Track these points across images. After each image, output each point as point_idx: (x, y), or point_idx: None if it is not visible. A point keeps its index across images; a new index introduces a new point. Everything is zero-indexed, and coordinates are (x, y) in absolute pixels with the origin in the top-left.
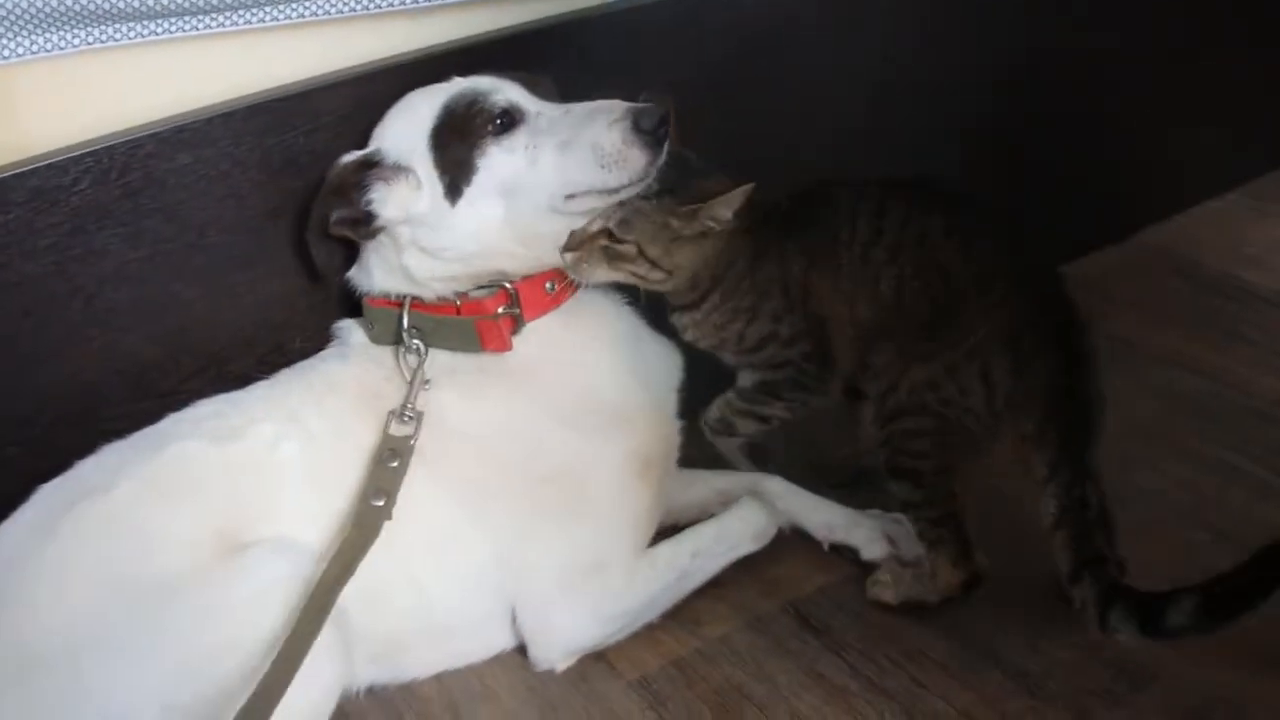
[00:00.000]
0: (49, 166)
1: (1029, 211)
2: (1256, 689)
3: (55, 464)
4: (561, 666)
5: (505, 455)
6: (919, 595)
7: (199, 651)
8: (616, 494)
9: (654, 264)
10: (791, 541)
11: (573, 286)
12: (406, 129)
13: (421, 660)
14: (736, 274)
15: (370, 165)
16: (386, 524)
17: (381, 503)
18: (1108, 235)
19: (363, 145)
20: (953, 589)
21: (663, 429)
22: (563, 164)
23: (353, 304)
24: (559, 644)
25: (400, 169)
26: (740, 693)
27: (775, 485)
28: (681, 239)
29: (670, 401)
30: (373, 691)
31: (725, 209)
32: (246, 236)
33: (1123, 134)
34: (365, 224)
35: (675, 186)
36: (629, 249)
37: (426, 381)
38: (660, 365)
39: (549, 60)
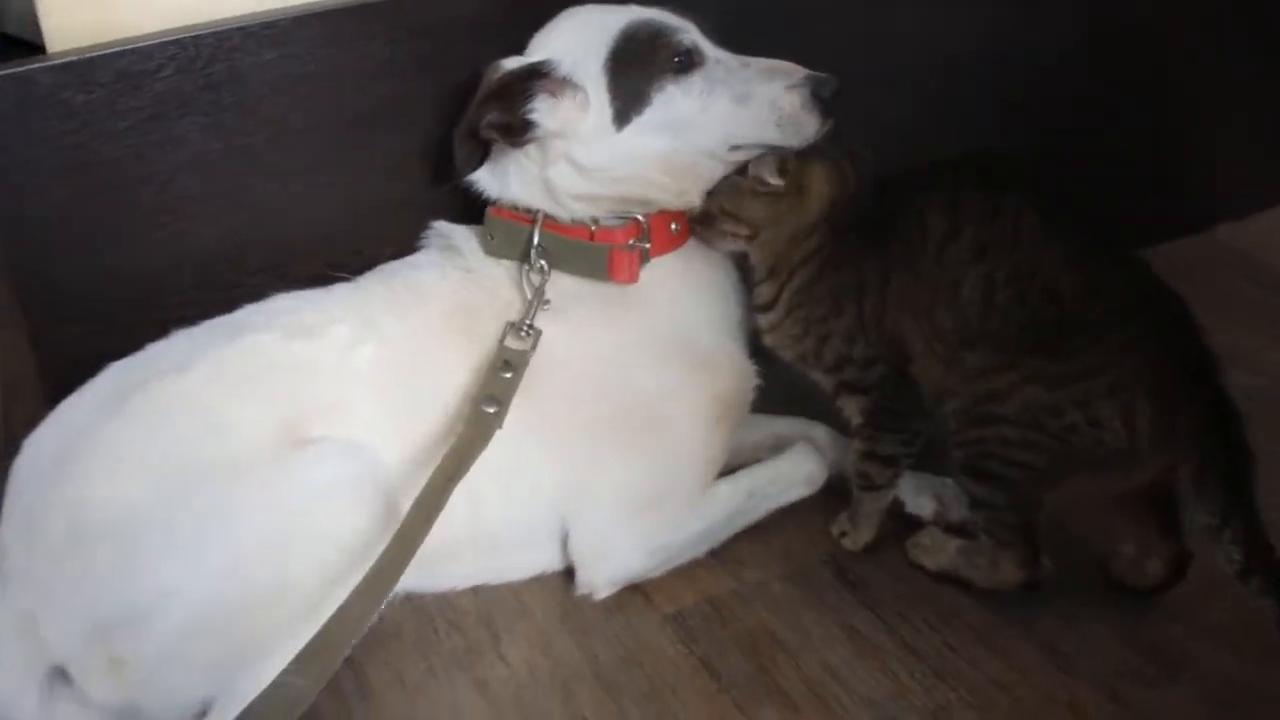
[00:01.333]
0: (135, 51)
1: (1101, 194)
2: None
3: (116, 346)
4: (604, 593)
5: (595, 383)
6: (966, 574)
7: (254, 537)
8: (692, 433)
9: (735, 218)
10: (839, 495)
11: (690, 231)
12: (580, 46)
13: (464, 571)
14: (807, 278)
15: (538, 75)
16: (452, 431)
17: (494, 410)
18: (1181, 228)
19: (439, 58)
20: (1009, 586)
21: (743, 380)
22: (736, 115)
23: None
24: (608, 570)
25: (569, 84)
26: (772, 638)
27: (825, 434)
28: (749, 195)
29: (748, 354)
30: (409, 598)
31: (762, 169)
32: (324, 139)
33: (1207, 123)
34: (520, 132)
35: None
36: (714, 205)
37: (546, 301)
38: (746, 321)
39: None
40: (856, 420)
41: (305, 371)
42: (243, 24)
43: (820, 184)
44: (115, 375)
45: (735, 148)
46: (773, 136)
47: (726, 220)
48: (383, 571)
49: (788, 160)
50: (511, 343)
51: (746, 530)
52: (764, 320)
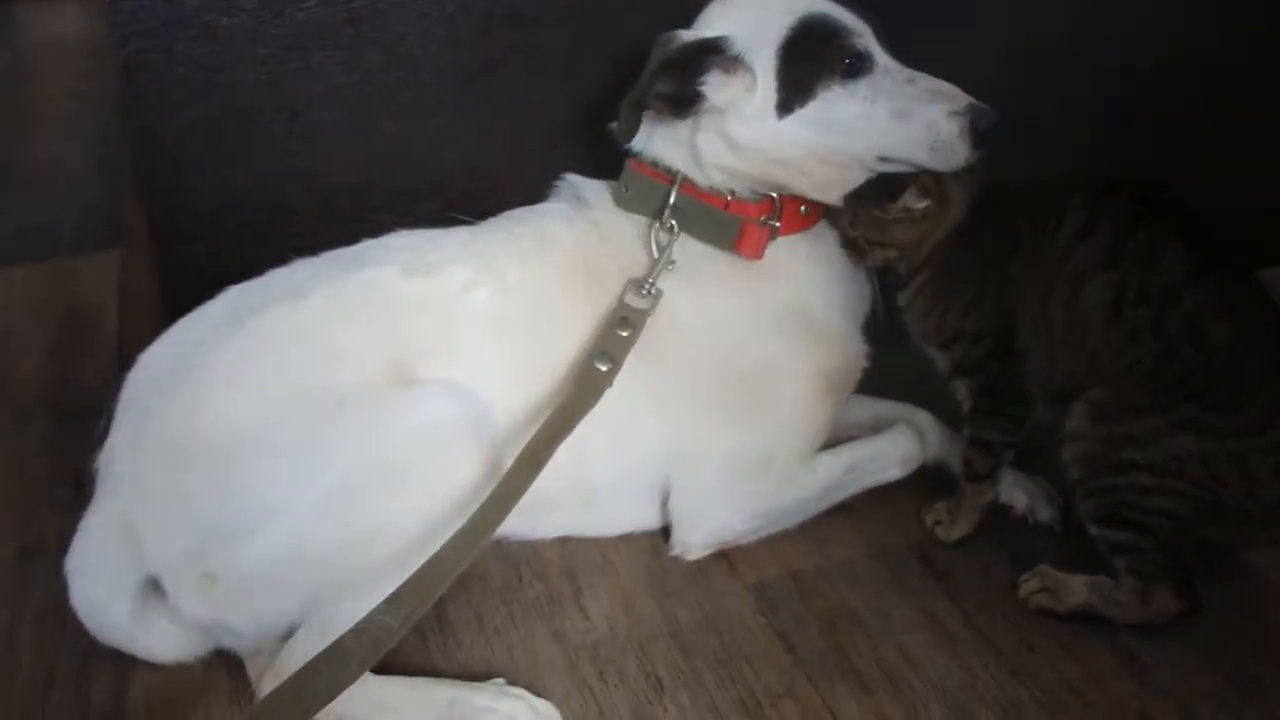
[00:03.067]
0: None
1: (1222, 211)
2: None
3: (236, 269)
4: (697, 554)
5: (709, 347)
6: (1106, 612)
7: (357, 469)
8: (798, 404)
9: (880, 245)
10: (934, 484)
11: (819, 213)
12: (756, 28)
13: (556, 521)
14: (941, 260)
15: (714, 50)
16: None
17: (606, 367)
18: None
19: (574, 11)
20: (1166, 619)
21: (852, 359)
22: (893, 130)
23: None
24: (705, 531)
25: (742, 64)
26: (852, 617)
27: (926, 419)
28: (891, 223)
29: (860, 335)
30: (498, 543)
31: (912, 199)
32: (458, 82)
33: None
34: (688, 104)
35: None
36: (860, 239)
37: (671, 263)
38: (861, 303)
39: None
40: (967, 405)
41: (420, 309)
42: None
43: (959, 194)
44: (233, 297)
45: (884, 159)
46: (923, 158)
47: (874, 249)
48: (479, 522)
49: (928, 183)
50: (632, 300)
51: (836, 509)
52: (901, 297)
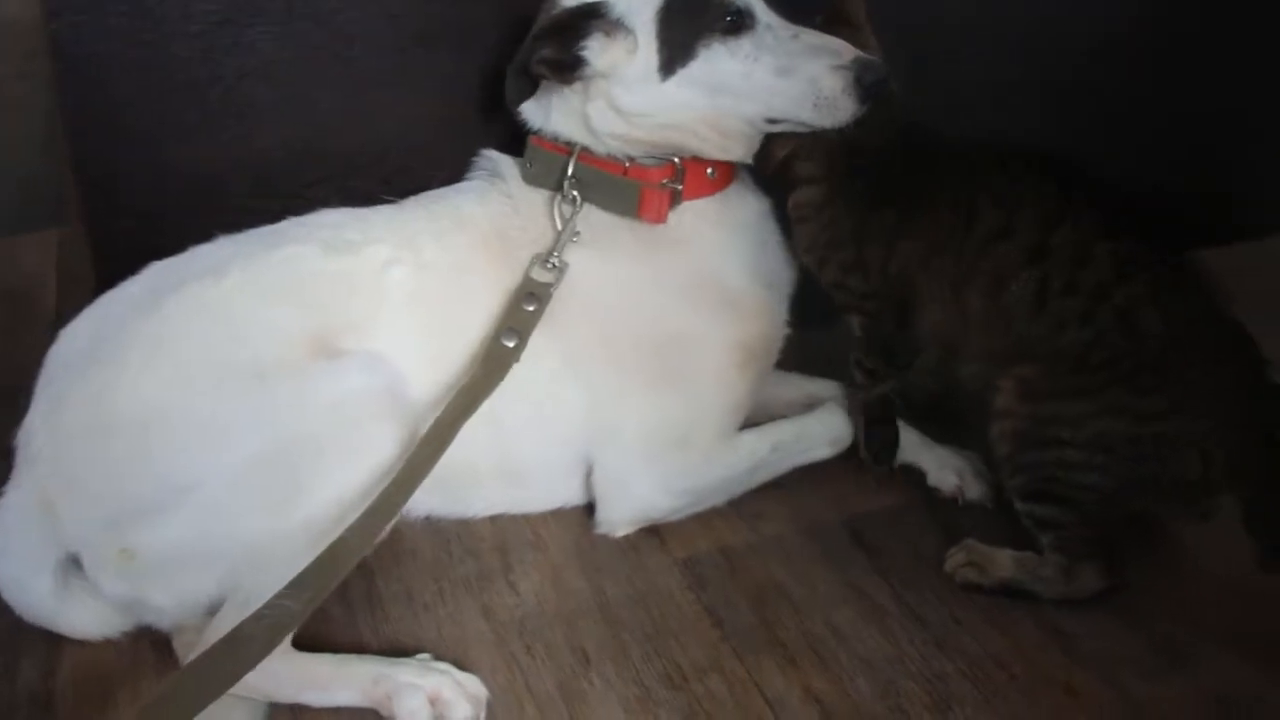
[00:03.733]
0: None
1: (1157, 193)
2: None
3: (169, 243)
4: (622, 531)
5: (623, 319)
6: (1030, 587)
7: (274, 442)
8: (716, 377)
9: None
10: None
11: (729, 176)
12: None
13: (485, 499)
14: (812, 198)
15: (594, 15)
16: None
17: (513, 344)
18: (1239, 232)
19: None
20: (1088, 594)
21: (771, 328)
22: (775, 88)
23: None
24: (627, 508)
25: (622, 27)
26: (780, 591)
27: None
28: None
29: (782, 306)
30: (429, 520)
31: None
32: (392, 56)
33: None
34: (570, 69)
35: None
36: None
37: (576, 234)
38: (782, 271)
39: None
40: (856, 332)
41: (339, 286)
42: None
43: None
44: (154, 274)
45: (772, 121)
46: (808, 116)
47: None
48: (383, 503)
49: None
50: (537, 274)
51: (769, 485)
52: (794, 214)
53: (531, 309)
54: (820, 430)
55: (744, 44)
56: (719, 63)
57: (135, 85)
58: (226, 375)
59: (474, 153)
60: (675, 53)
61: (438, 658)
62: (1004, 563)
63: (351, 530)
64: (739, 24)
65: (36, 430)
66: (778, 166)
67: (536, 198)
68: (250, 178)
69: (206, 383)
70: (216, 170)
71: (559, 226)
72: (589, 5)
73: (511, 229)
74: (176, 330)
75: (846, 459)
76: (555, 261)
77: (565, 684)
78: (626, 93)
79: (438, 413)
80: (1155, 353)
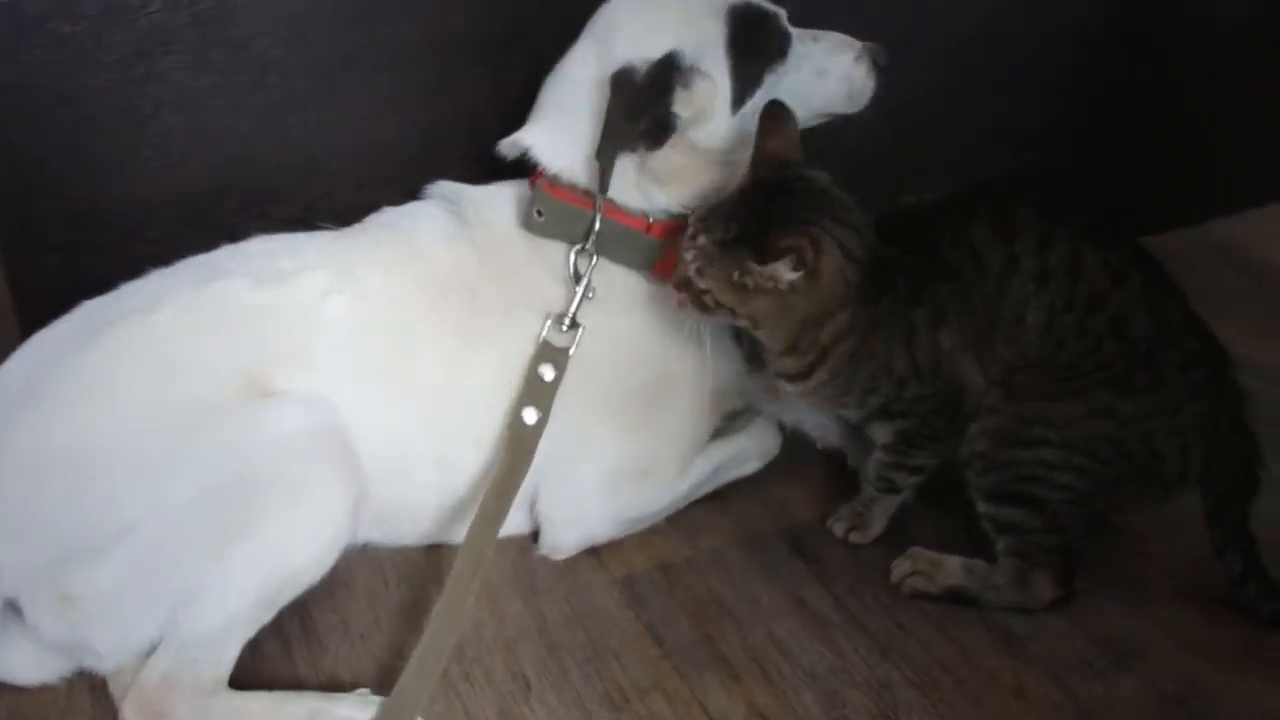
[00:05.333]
0: None
1: (1101, 181)
2: (1235, 683)
3: (95, 278)
4: (565, 555)
5: (606, 368)
6: (978, 594)
7: (212, 484)
8: (687, 421)
9: (732, 312)
10: (799, 469)
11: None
12: (694, 31)
13: (425, 531)
14: (848, 350)
15: (671, 68)
16: (429, 398)
17: (534, 420)
18: (1175, 220)
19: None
20: (1040, 604)
21: (734, 371)
22: (819, 89)
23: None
24: (576, 535)
25: (698, 72)
26: (720, 606)
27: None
28: (754, 291)
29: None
30: (366, 549)
31: (784, 271)
32: (311, 81)
33: (1206, 118)
34: (667, 132)
35: (752, 235)
36: (709, 298)
37: (592, 290)
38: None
39: None
40: (887, 440)
41: (273, 319)
42: None
43: (831, 268)
44: (86, 312)
45: (819, 117)
46: (841, 107)
47: (721, 310)
48: (435, 639)
49: (807, 254)
50: (554, 338)
51: (706, 499)
52: (792, 387)
53: (551, 378)
54: (752, 446)
55: (790, 61)
56: (777, 86)
57: (51, 120)
58: (162, 415)
59: (403, 175)
60: (745, 85)
61: (376, 691)
62: (952, 569)
63: (408, 676)
64: (787, 46)
65: None
66: (814, 361)
67: (521, 244)
68: (174, 208)
69: (141, 423)
70: (140, 202)
71: (573, 281)
72: (662, 61)
73: (480, 274)
74: (109, 368)
75: (781, 468)
76: (570, 324)
77: (506, 710)
78: (704, 134)
79: (396, 451)
80: (1146, 355)
